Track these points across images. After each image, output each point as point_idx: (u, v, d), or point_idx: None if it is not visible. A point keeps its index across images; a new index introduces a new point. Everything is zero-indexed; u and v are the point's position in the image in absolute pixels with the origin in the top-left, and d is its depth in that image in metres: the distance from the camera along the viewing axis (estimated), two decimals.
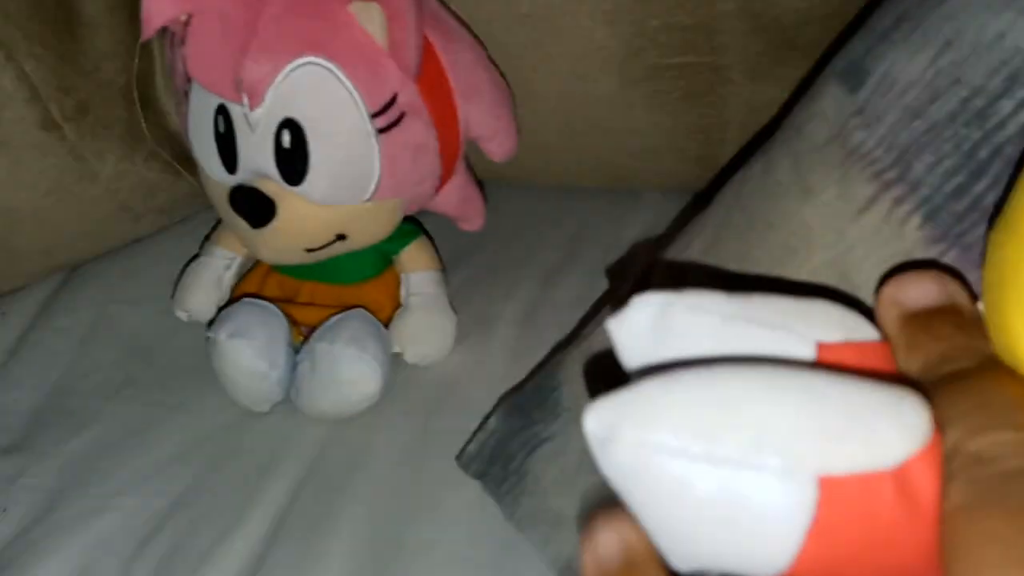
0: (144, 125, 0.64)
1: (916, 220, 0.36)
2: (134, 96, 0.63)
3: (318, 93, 0.50)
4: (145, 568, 0.51)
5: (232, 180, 0.53)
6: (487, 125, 0.55)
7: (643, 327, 0.23)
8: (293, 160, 0.51)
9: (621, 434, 0.20)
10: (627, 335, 0.23)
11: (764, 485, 0.19)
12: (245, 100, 0.50)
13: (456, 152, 0.55)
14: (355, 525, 0.52)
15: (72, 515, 0.54)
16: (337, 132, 0.50)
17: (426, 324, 0.58)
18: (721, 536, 0.20)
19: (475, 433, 0.51)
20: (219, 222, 0.63)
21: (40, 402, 0.60)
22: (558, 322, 0.59)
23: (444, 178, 0.55)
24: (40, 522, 0.53)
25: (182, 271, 0.63)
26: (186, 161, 0.65)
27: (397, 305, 0.60)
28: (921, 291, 0.23)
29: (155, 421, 0.58)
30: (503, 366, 0.58)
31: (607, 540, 0.23)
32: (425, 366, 0.59)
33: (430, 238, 0.61)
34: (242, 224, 0.53)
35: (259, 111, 0.50)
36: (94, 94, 0.61)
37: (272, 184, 0.52)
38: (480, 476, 0.50)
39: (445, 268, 0.61)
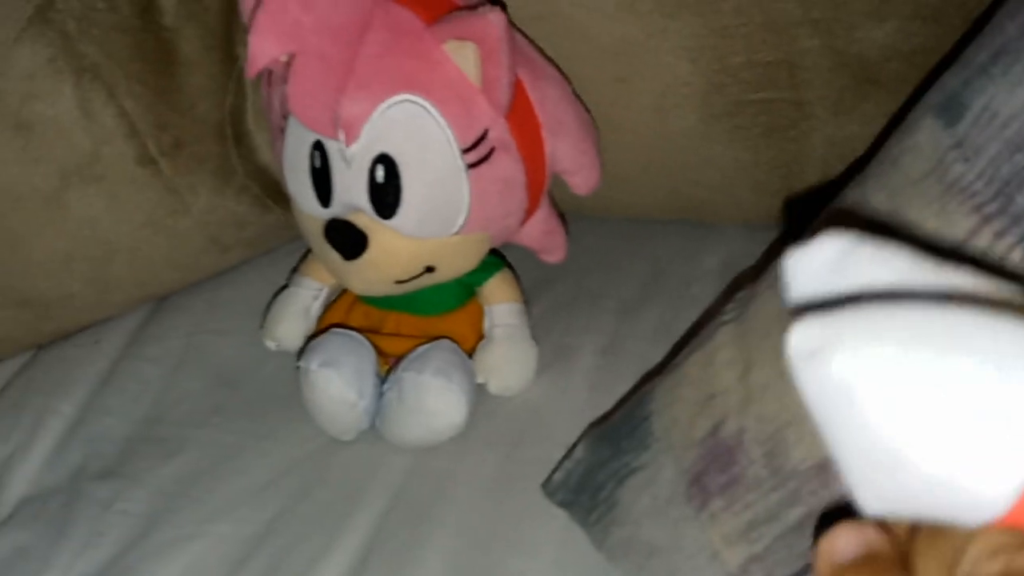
0: (236, 159, 0.66)
1: (1019, 253, 0.36)
2: (227, 132, 0.65)
3: (412, 129, 0.51)
4: None
5: (326, 214, 0.54)
6: (572, 159, 0.56)
7: (824, 263, 0.20)
8: (386, 194, 0.52)
9: (836, 346, 0.18)
10: (805, 269, 0.21)
11: (995, 411, 0.17)
12: (341, 136, 0.51)
13: (542, 186, 0.56)
14: (442, 554, 0.52)
15: (166, 540, 0.55)
16: (429, 167, 0.52)
17: (509, 355, 0.59)
18: (939, 472, 0.18)
19: (561, 462, 0.52)
20: (306, 253, 0.65)
21: (133, 429, 0.62)
22: (638, 353, 0.60)
23: (530, 211, 0.56)
24: (135, 547, 0.55)
25: (271, 301, 0.64)
26: (275, 194, 0.67)
27: (480, 336, 0.61)
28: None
29: (244, 449, 0.60)
30: (584, 397, 0.59)
31: (848, 537, 0.23)
32: (507, 396, 0.60)
33: (512, 269, 0.62)
34: (334, 256, 0.55)
35: (355, 147, 0.51)
36: (189, 130, 0.64)
37: (365, 217, 0.53)
38: (567, 505, 0.50)
39: (527, 300, 0.62)
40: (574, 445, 0.52)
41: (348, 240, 0.53)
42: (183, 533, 0.55)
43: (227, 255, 0.69)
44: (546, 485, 0.52)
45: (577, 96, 0.57)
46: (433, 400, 0.55)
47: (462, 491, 0.56)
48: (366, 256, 0.53)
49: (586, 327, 0.63)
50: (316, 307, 0.63)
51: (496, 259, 0.61)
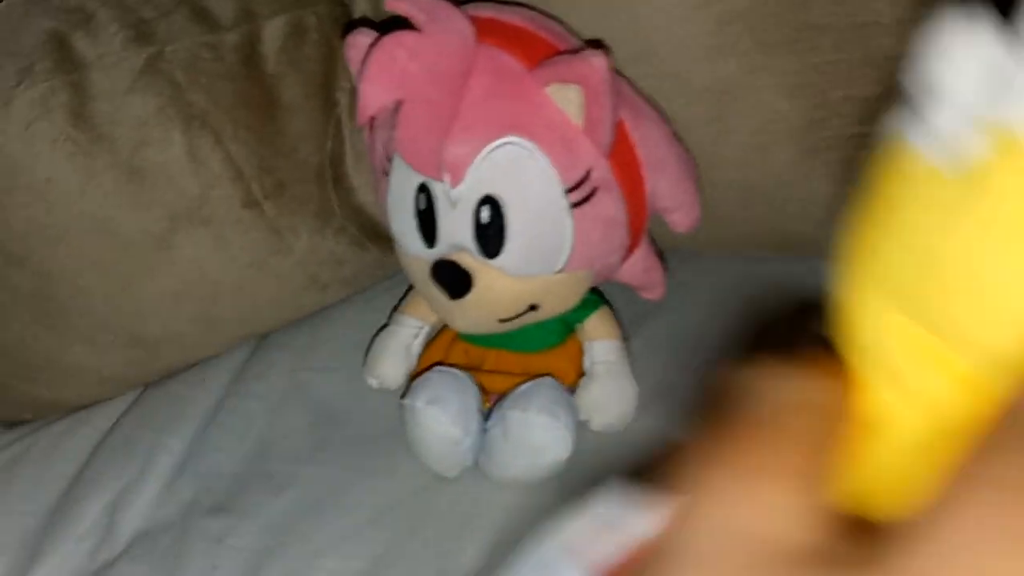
0: (335, 201, 0.67)
1: None
2: (327, 175, 0.67)
3: (516, 171, 0.52)
4: None
5: (431, 254, 0.55)
6: (673, 197, 0.56)
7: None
8: (491, 234, 0.53)
9: None
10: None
11: None
12: (447, 178, 0.52)
13: (643, 224, 0.56)
14: None
15: (277, 575, 0.56)
16: (533, 207, 0.52)
17: (611, 392, 0.60)
18: None
19: None
20: (408, 291, 0.66)
21: (241, 465, 0.63)
22: None
23: (631, 248, 0.57)
24: None
25: (372, 339, 0.65)
26: (372, 234, 0.69)
27: (579, 372, 0.61)
28: None
29: (349, 484, 0.61)
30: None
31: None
32: (609, 433, 0.60)
33: (609, 306, 0.63)
34: (439, 295, 0.56)
35: (460, 188, 0.52)
36: (291, 173, 0.65)
37: (469, 257, 0.54)
38: None
39: (626, 336, 0.62)
40: None
41: (454, 280, 0.54)
42: (293, 568, 0.56)
43: (326, 293, 0.71)
44: None
45: (676, 135, 0.58)
46: (539, 437, 0.55)
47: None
48: (471, 295, 0.54)
49: (686, 364, 0.63)
50: (417, 345, 0.64)
51: (595, 296, 0.61)
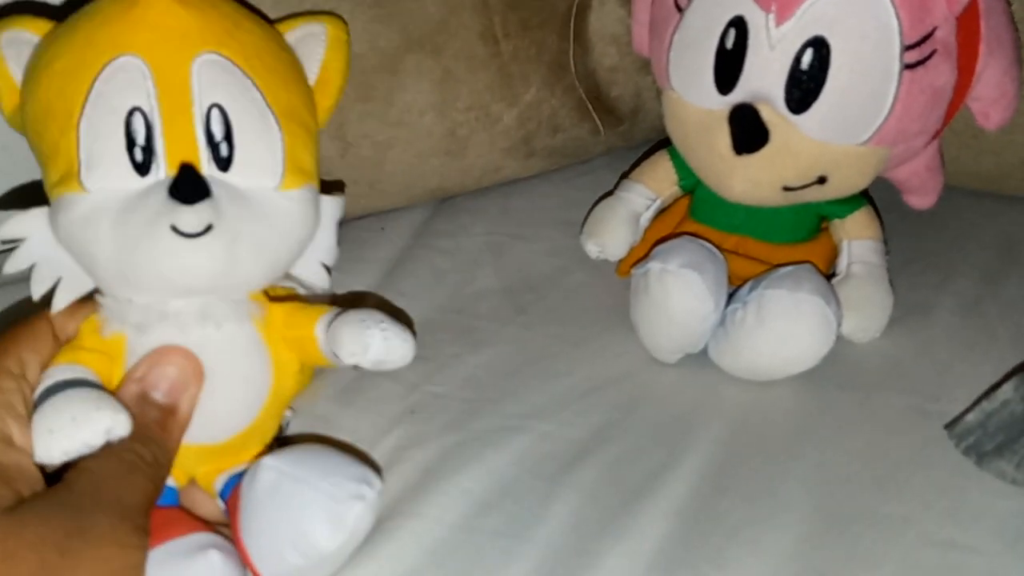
0: (571, 57, 0.62)
1: None
2: (569, 25, 0.61)
3: (856, 15, 0.46)
4: (574, 492, 0.47)
5: (720, 102, 0.50)
6: (996, 86, 0.51)
7: None
8: (807, 85, 0.47)
9: None
10: None
11: None
12: (774, 10, 0.47)
13: (958, 107, 0.51)
14: (804, 487, 0.47)
15: (488, 429, 0.50)
16: (864, 61, 0.47)
17: (870, 295, 0.54)
18: None
19: (977, 402, 0.46)
20: (638, 162, 0.60)
21: (431, 316, 0.57)
22: (1012, 320, 0.54)
23: (935, 136, 0.52)
24: (455, 429, 0.50)
25: (593, 206, 0.60)
26: (595, 102, 0.63)
27: (829, 275, 0.55)
28: None
29: (557, 353, 0.55)
30: (950, 352, 0.53)
31: None
32: (856, 341, 0.54)
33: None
34: (720, 151, 0.50)
35: (786, 26, 0.47)
36: (536, 14, 0.60)
37: (769, 110, 0.48)
38: (977, 451, 0.45)
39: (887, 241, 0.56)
40: (996, 385, 0.46)
41: (750, 130, 0.48)
42: (506, 424, 0.50)
43: (527, 162, 0.65)
44: (952, 427, 0.46)
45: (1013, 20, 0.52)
46: (807, 322, 0.49)
47: (815, 426, 0.50)
48: (763, 152, 0.49)
49: (939, 287, 0.58)
50: (646, 218, 0.58)
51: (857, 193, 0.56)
